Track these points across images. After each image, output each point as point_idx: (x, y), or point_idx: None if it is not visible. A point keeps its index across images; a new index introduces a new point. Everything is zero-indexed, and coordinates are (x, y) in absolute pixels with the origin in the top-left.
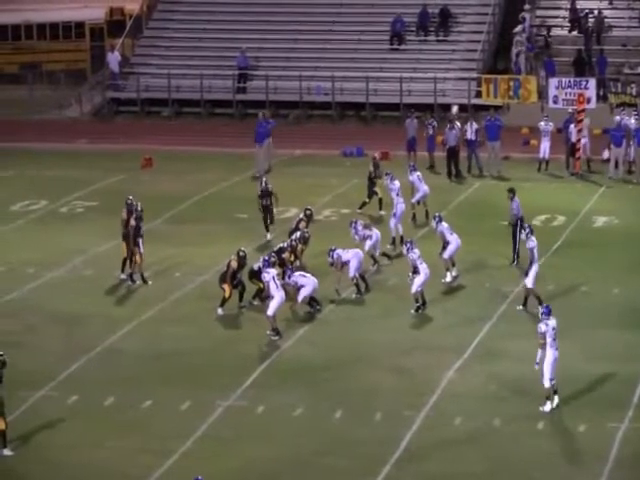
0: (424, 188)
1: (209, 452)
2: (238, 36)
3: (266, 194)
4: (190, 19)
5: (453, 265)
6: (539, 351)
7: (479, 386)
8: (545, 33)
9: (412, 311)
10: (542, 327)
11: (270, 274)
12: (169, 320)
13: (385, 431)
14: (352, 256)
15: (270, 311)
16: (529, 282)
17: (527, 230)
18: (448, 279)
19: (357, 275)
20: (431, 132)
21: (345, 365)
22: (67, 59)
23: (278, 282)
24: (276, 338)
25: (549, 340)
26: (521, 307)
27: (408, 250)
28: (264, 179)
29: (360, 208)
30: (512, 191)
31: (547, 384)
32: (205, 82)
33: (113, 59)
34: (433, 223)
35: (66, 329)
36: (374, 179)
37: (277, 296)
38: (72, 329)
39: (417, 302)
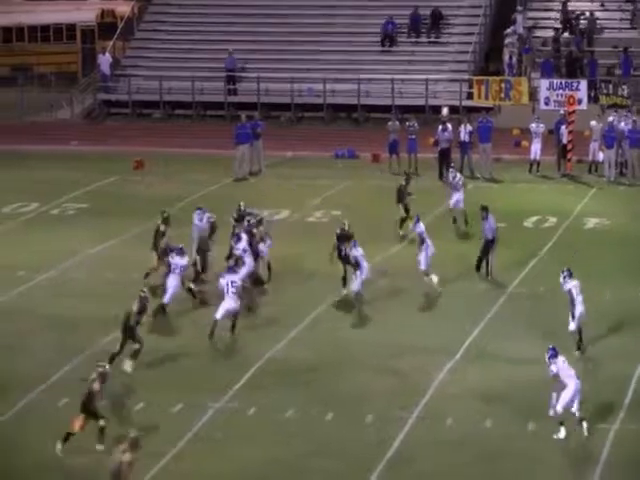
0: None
1: (201, 454)
2: (230, 38)
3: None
4: (181, 21)
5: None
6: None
7: (470, 387)
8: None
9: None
10: (553, 369)
11: (225, 279)
12: (161, 322)
13: (376, 433)
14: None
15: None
16: (572, 326)
17: (565, 273)
18: (435, 280)
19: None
20: (413, 135)
21: (336, 367)
22: (58, 61)
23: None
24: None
25: (565, 374)
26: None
27: (415, 225)
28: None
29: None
30: (485, 209)
31: (560, 409)
32: (197, 84)
33: (104, 61)
34: (410, 225)
35: (57, 332)
36: (404, 194)
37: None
38: (63, 332)
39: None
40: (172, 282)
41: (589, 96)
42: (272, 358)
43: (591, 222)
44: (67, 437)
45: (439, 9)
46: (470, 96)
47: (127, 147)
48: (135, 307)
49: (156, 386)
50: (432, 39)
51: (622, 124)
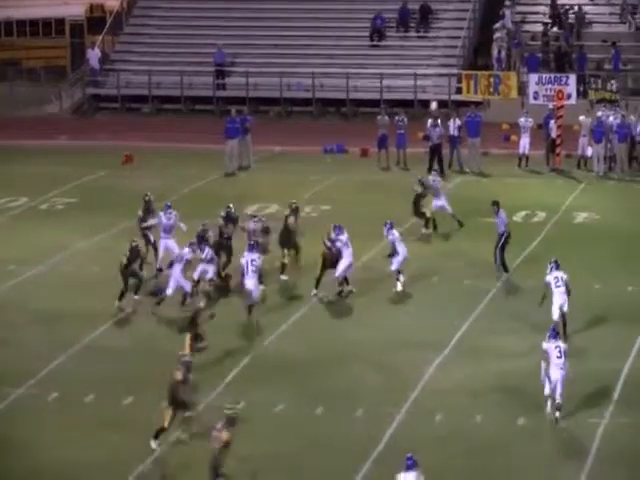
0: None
1: (189, 449)
2: (219, 33)
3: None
4: (170, 15)
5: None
6: (542, 365)
7: (460, 382)
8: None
9: (396, 289)
10: (544, 344)
11: (245, 258)
12: (149, 317)
13: (366, 428)
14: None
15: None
16: (555, 316)
17: (552, 264)
18: (399, 288)
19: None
20: (402, 129)
21: (327, 362)
22: (47, 56)
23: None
24: None
25: (552, 358)
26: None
27: (388, 231)
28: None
29: (426, 227)
30: (496, 204)
31: (547, 391)
32: (185, 79)
33: (93, 56)
34: (384, 230)
35: (46, 326)
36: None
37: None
38: (52, 326)
39: (398, 280)
40: (174, 271)
41: (578, 91)
42: (262, 352)
43: (580, 217)
44: (159, 433)
45: (428, 4)
46: (459, 91)
47: (116, 141)
48: (202, 303)
49: (145, 380)
50: (421, 34)
51: (611, 119)
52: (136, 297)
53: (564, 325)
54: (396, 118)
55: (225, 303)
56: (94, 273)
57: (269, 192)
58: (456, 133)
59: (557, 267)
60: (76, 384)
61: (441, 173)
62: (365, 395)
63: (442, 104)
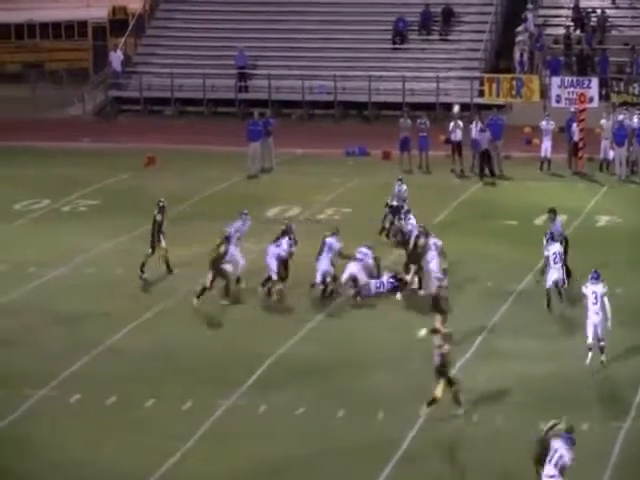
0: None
1: (210, 451)
2: (240, 35)
3: None
4: (192, 18)
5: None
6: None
7: (481, 385)
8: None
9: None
10: (582, 289)
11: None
12: (171, 319)
13: (387, 430)
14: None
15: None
16: (548, 283)
17: (547, 236)
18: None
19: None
20: (424, 132)
21: (347, 364)
22: (70, 58)
23: None
24: None
25: (589, 304)
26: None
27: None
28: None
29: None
30: (553, 211)
31: (589, 340)
32: (207, 81)
33: (116, 58)
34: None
35: (68, 328)
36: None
37: None
38: (74, 328)
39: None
40: (322, 263)
41: (600, 94)
42: (284, 355)
43: (602, 220)
44: (432, 402)
45: (450, 6)
46: (481, 94)
47: (138, 144)
48: (446, 281)
49: (166, 382)
50: (443, 36)
51: (635, 120)
52: (195, 301)
53: (560, 294)
54: (418, 121)
55: (246, 308)
56: (116, 275)
57: (291, 194)
58: (478, 136)
59: (553, 239)
60: (98, 386)
61: (492, 175)
62: (386, 398)
63: (464, 107)
